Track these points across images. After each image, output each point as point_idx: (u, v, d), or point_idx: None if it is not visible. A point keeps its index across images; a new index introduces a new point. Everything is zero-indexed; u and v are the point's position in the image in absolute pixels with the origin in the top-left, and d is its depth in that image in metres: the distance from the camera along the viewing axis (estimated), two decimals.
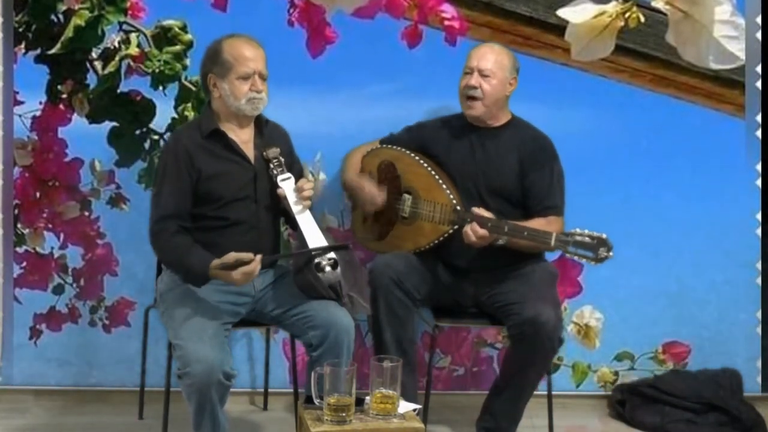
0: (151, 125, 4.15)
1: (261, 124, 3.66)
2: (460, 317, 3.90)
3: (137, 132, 4.15)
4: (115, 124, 4.13)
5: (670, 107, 4.23)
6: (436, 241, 3.79)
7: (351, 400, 3.07)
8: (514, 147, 3.82)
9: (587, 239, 3.47)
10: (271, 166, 3.57)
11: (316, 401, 3.12)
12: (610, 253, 3.47)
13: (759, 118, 4.23)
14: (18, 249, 4.16)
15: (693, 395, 4.09)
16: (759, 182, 4.25)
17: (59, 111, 4.12)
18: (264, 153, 3.58)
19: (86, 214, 4.17)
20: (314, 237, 3.52)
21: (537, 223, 3.69)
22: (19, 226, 4.16)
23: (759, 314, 4.28)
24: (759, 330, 4.28)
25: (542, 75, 4.16)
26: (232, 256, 3.38)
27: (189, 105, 4.12)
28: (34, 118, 4.13)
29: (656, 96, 4.23)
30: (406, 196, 3.86)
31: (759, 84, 4.22)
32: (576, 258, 3.53)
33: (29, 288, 4.18)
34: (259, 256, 3.39)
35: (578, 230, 3.50)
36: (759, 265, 4.26)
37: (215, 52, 3.56)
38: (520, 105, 3.91)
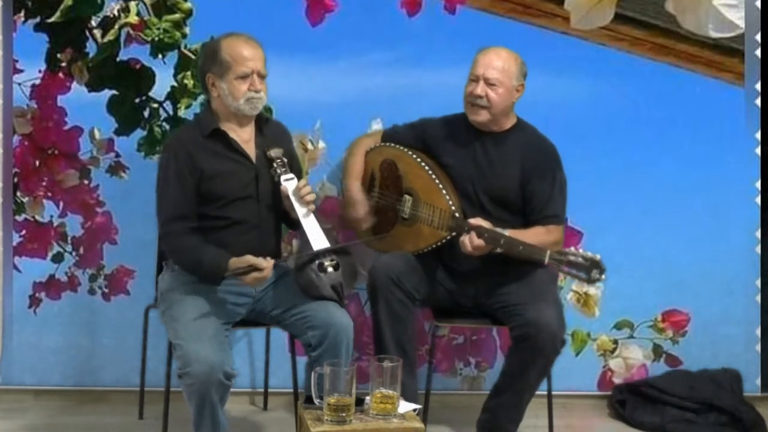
0: (151, 93, 4.14)
1: (261, 123, 3.64)
2: (461, 318, 3.89)
3: (137, 100, 4.14)
4: (114, 92, 4.13)
5: (670, 75, 4.22)
6: (434, 246, 3.77)
7: (351, 400, 3.07)
8: (517, 153, 3.76)
9: (580, 260, 3.46)
10: (274, 165, 3.55)
11: (316, 401, 3.12)
12: (603, 276, 3.46)
13: (758, 86, 4.23)
14: (17, 217, 4.16)
15: (693, 395, 4.09)
16: (758, 150, 4.24)
17: (59, 79, 4.12)
18: (267, 153, 3.57)
19: (86, 182, 4.17)
20: (318, 239, 3.52)
21: (536, 232, 3.68)
22: (18, 194, 4.15)
23: (758, 282, 4.28)
24: (758, 299, 4.28)
25: (542, 43, 4.15)
26: (246, 260, 3.37)
27: (188, 73, 4.11)
28: (33, 86, 4.12)
29: (656, 64, 4.22)
30: (407, 197, 3.83)
31: (758, 52, 4.21)
32: (569, 277, 3.52)
33: (29, 256, 4.18)
34: (271, 262, 3.39)
35: (572, 249, 3.49)
36: (758, 233, 4.26)
37: (213, 51, 3.53)
38: None
